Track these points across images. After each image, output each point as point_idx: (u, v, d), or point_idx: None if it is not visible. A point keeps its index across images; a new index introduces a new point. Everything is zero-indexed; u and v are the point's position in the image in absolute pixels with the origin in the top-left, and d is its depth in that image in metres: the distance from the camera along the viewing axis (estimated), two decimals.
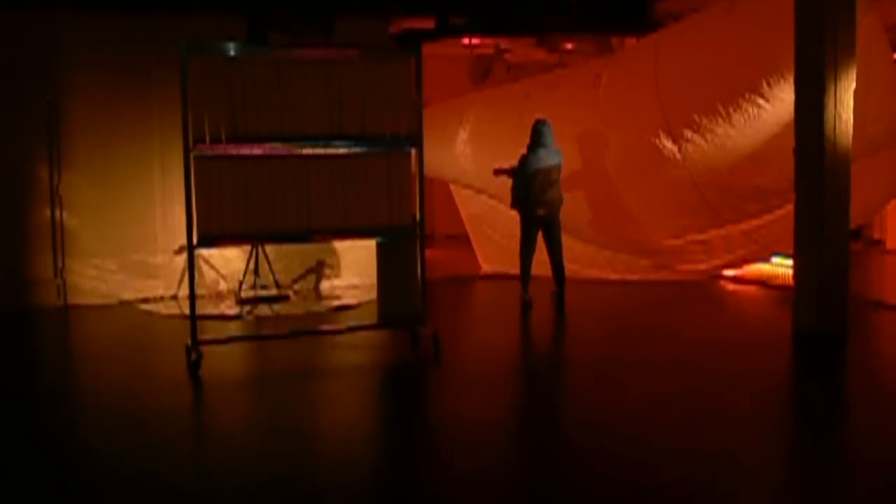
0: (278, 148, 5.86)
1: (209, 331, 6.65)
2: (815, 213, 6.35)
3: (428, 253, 6.65)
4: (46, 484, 3.93)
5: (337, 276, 9.34)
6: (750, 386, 5.35)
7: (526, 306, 7.99)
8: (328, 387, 5.63)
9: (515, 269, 8.38)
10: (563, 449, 4.39)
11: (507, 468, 4.08)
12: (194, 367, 5.71)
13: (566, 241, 8.29)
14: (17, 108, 8.33)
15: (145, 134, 8.69)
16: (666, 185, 8.23)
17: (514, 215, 8.39)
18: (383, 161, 6.05)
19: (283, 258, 9.00)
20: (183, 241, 7.58)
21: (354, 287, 9.18)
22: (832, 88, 6.22)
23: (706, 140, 7.68)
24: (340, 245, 9.17)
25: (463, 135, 10.03)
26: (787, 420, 4.93)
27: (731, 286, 9.14)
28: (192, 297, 5.84)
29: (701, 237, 8.57)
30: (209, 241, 5.88)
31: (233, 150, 5.77)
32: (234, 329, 7.29)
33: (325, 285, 9.28)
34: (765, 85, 7.14)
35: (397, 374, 6.08)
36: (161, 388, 5.58)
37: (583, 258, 9.31)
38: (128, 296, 8.66)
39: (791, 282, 6.74)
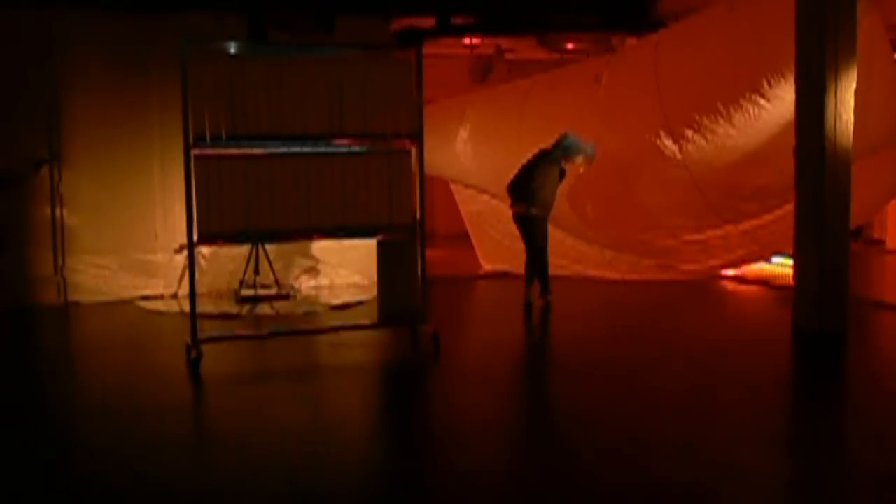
0: (278, 146, 5.86)
1: (209, 329, 6.65)
2: (815, 213, 6.35)
3: (428, 252, 6.64)
4: (44, 480, 3.93)
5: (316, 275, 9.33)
6: (749, 385, 5.35)
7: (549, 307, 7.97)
8: (328, 385, 5.63)
9: (516, 268, 8.37)
10: (563, 448, 4.39)
11: (507, 467, 4.08)
12: (194, 365, 5.72)
13: (569, 240, 8.28)
14: (18, 106, 8.33)
15: (146, 132, 8.69)
16: (666, 185, 8.23)
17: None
18: (384, 160, 6.05)
19: (283, 257, 9.00)
20: (183, 239, 7.60)
21: (355, 286, 9.18)
22: (833, 88, 6.22)
23: (707, 140, 7.67)
24: (335, 245, 9.15)
25: (463, 134, 10.03)
26: (786, 420, 4.93)
27: (731, 286, 9.14)
28: (193, 295, 5.84)
29: (700, 237, 8.57)
30: (209, 239, 5.88)
31: (233, 149, 5.77)
32: (234, 327, 7.28)
33: (308, 282, 9.27)
34: (765, 84, 7.13)
35: (397, 372, 6.08)
36: (161, 386, 5.58)
37: (584, 258, 9.31)
38: (128, 294, 8.66)
39: (791, 282, 6.74)
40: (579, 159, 7.92)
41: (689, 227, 8.47)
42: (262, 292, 8.53)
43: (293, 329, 6.87)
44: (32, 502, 3.72)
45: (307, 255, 9.25)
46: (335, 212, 5.96)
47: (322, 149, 5.98)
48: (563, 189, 8.17)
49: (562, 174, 7.96)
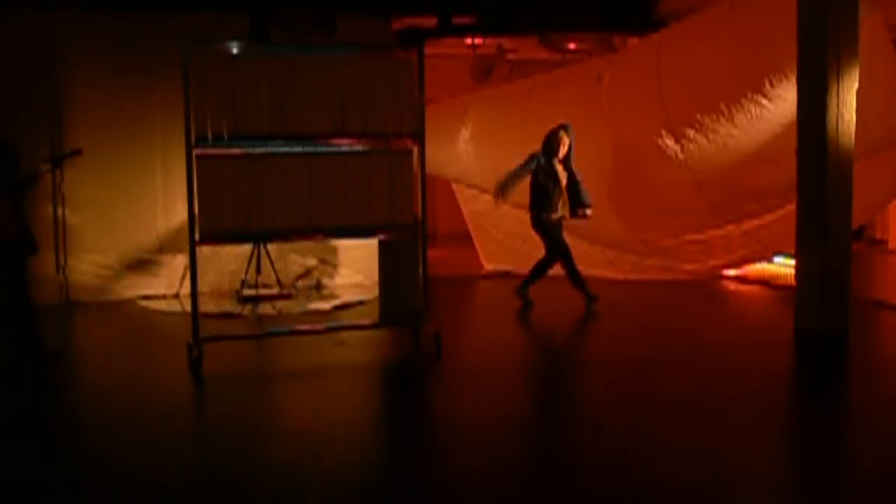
0: (280, 146, 5.87)
1: (211, 328, 6.65)
2: (817, 213, 6.35)
3: (430, 251, 6.64)
4: (46, 479, 3.94)
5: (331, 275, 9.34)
6: (751, 386, 5.35)
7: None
8: (329, 385, 5.64)
9: (518, 268, 8.37)
10: (565, 448, 4.39)
11: (508, 467, 4.07)
12: (196, 364, 5.72)
13: (569, 239, 8.28)
14: (20, 106, 8.33)
15: (148, 132, 8.70)
16: (668, 185, 8.22)
17: (516, 214, 8.37)
18: (385, 159, 6.05)
19: (285, 256, 9.00)
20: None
21: (356, 285, 9.18)
22: (834, 88, 6.22)
23: (708, 139, 7.68)
24: (337, 244, 9.15)
25: (465, 133, 10.03)
26: (788, 420, 4.93)
27: (732, 286, 9.14)
28: (194, 294, 5.84)
29: (701, 237, 8.57)
30: (211, 238, 5.89)
31: (235, 149, 5.77)
32: (236, 327, 7.29)
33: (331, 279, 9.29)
34: (767, 84, 7.13)
35: (399, 372, 6.08)
36: (162, 386, 5.59)
37: (585, 258, 9.30)
38: (129, 293, 8.67)
39: (793, 282, 6.74)
40: (563, 135, 7.92)
41: (690, 226, 8.47)
42: (263, 292, 8.53)
43: (294, 329, 6.87)
44: (33, 499, 3.73)
45: (328, 254, 9.27)
46: (337, 211, 5.96)
47: (324, 149, 5.99)
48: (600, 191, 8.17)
49: (549, 164, 7.93)
